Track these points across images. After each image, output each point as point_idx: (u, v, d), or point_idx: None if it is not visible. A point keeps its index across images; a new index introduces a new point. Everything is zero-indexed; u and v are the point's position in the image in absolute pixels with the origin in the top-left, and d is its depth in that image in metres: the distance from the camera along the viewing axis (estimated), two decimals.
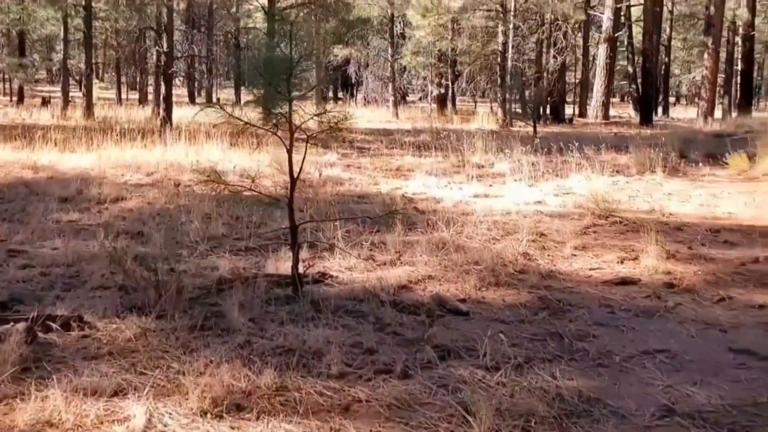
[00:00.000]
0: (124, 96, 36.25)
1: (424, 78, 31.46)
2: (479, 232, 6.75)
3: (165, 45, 17.39)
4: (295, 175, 4.73)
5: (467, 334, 4.16)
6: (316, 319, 4.25)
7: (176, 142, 13.55)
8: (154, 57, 21.99)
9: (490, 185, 10.79)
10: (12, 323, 3.72)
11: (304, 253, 5.79)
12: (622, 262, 6.03)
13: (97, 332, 3.91)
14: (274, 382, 3.30)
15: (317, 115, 4.61)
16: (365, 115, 27.88)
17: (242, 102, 33.92)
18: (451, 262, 5.62)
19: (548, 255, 6.18)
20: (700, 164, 13.03)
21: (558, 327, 4.35)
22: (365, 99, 37.48)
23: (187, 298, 4.41)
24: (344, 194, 9.40)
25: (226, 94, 42.16)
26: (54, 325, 3.83)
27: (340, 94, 40.02)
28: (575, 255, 6.25)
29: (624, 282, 5.43)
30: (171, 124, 17.63)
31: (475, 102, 36.93)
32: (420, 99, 43.47)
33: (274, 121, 4.51)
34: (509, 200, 9.16)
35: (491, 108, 33.11)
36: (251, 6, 26.53)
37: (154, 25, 19.34)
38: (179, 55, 22.36)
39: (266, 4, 21.45)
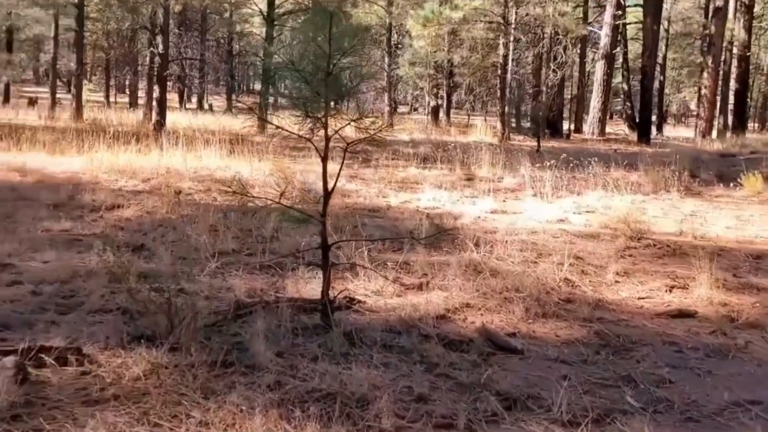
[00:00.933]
0: (112, 99, 35.52)
1: (421, 89, 30.99)
2: (510, 253, 6.21)
3: (161, 46, 16.77)
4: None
5: (529, 377, 3.61)
6: (352, 355, 3.67)
7: (173, 147, 12.92)
8: (147, 59, 21.38)
9: (504, 200, 10.29)
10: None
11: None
12: (670, 291, 5.52)
13: (98, 368, 3.31)
14: None
15: (354, 120, 4.05)
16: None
17: (233, 109, 33.47)
18: (488, 288, 5.07)
19: (590, 281, 5.65)
20: (714, 185, 12.66)
21: (627, 369, 3.81)
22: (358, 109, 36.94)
23: (203, 326, 3.82)
24: (354, 207, 8.84)
25: (217, 100, 41.57)
26: (48, 359, 3.23)
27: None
28: (618, 282, 5.73)
29: (681, 314, 4.92)
30: (164, 128, 17.01)
31: (469, 114, 36.57)
32: (410, 111, 43.09)
33: (310, 126, 3.93)
34: (530, 217, 8.66)
35: (485, 120, 32.80)
36: (249, 10, 25.93)
37: (148, 25, 18.75)
38: (172, 57, 21.70)
39: (265, 9, 20.89)
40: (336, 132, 4.02)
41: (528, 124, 31.83)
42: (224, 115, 29.26)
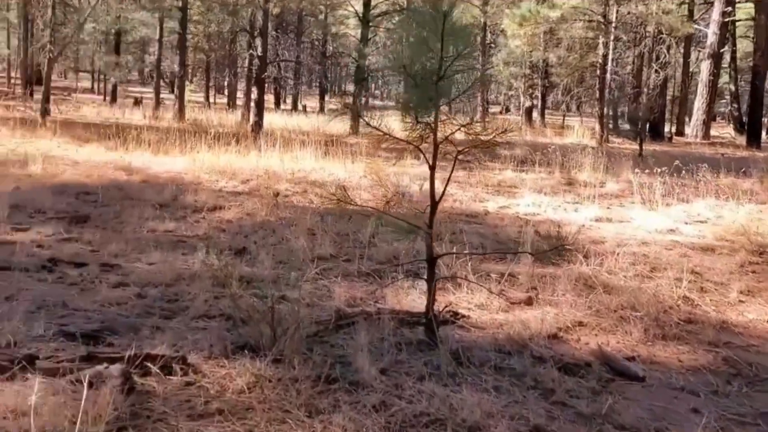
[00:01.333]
0: (211, 99, 36.70)
1: (515, 89, 30.34)
2: (622, 266, 5.83)
3: (259, 49, 17.08)
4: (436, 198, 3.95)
5: (654, 409, 3.29)
6: (460, 376, 3.46)
7: (270, 149, 13.10)
8: (246, 61, 21.87)
9: (608, 207, 9.80)
10: (105, 364, 3.10)
11: (423, 284, 5.04)
12: None
13: (203, 378, 3.24)
14: None
15: (464, 126, 3.83)
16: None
17: (325, 110, 33.88)
18: (602, 306, 4.74)
19: (711, 300, 5.20)
20: None
21: (767, 405, 3.43)
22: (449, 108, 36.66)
23: (305, 336, 3.71)
24: (451, 212, 8.60)
25: (309, 101, 42.21)
26: (153, 368, 3.20)
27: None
28: (743, 301, 5.26)
29: None
30: (261, 129, 17.32)
31: (564, 115, 35.53)
32: (502, 111, 42.28)
33: (419, 132, 3.75)
34: (638, 227, 8.18)
35: (581, 122, 31.73)
36: (344, 12, 26.13)
37: (248, 28, 19.16)
38: (270, 60, 22.06)
39: (361, 11, 20.94)
40: (446, 138, 3.81)
41: (627, 126, 30.64)
42: (317, 116, 29.67)
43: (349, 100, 37.93)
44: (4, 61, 37.34)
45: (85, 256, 5.31)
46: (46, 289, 4.44)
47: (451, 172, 4.03)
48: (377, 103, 42.01)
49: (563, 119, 33.71)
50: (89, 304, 4.20)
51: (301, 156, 12.96)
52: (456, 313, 4.34)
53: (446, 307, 4.21)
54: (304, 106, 37.68)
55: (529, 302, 4.78)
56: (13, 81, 35.42)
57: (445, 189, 4.01)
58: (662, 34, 25.44)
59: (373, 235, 6.49)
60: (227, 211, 7.53)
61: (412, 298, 4.63)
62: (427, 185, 10.68)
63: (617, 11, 24.35)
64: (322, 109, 36.93)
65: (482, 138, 3.78)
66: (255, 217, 7.26)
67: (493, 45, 32.28)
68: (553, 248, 3.71)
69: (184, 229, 6.58)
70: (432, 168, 3.88)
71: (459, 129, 3.83)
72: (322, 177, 11.01)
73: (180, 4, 20.29)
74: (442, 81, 3.63)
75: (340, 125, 22.31)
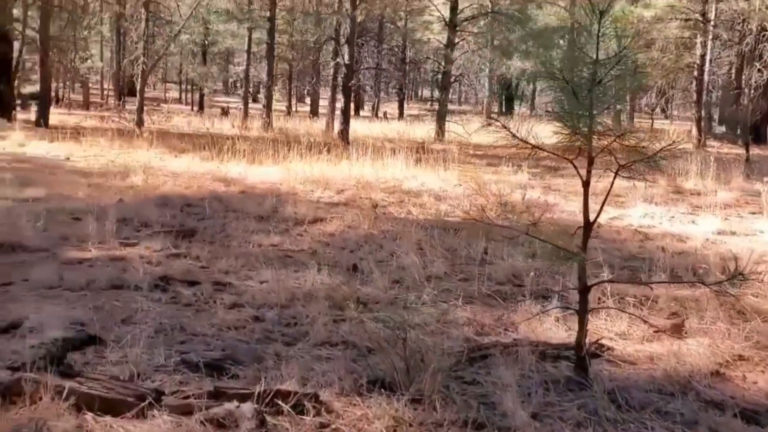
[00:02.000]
0: (293, 108, 37.13)
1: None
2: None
3: (346, 57, 16.97)
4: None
5: None
6: (621, 423, 3.05)
7: (361, 157, 12.90)
8: (332, 69, 21.88)
9: (727, 218, 9.05)
10: (236, 402, 2.85)
11: (525, 305, 4.63)
12: None
13: (337, 419, 2.96)
14: None
15: (619, 136, 3.41)
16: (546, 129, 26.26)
17: (405, 116, 33.67)
18: (761, 336, 4.20)
19: None
20: None
21: None
22: (530, 113, 35.93)
23: (438, 370, 3.37)
24: (560, 224, 8.07)
25: (388, 107, 42.12)
26: (285, 407, 2.93)
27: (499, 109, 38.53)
28: None
29: None
30: (348, 138, 17.22)
31: (652, 119, 34.04)
32: None
33: (577, 144, 3.35)
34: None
35: (671, 123, 30.26)
36: (428, 17, 25.86)
37: (334, 36, 19.14)
38: (355, 68, 21.94)
39: (447, 15, 20.59)
40: (605, 148, 3.38)
41: (722, 129, 29.02)
42: (398, 122, 29.49)
43: (434, 105, 37.62)
44: (98, 73, 38.90)
45: (196, 273, 5.17)
46: (162, 310, 4.28)
47: (610, 187, 3.59)
48: (453, 107, 41.52)
49: (651, 122, 32.29)
50: (207, 327, 4.01)
51: (391, 164, 12.70)
52: (601, 345, 3.91)
53: (596, 341, 3.78)
54: (385, 113, 37.64)
55: (677, 331, 4.29)
56: (106, 92, 36.88)
57: (601, 209, 3.57)
58: (766, 31, 23.97)
59: (485, 250, 6.11)
60: (328, 223, 7.31)
61: (547, 326, 4.23)
62: (529, 195, 10.16)
63: (716, 8, 23.12)
64: (401, 116, 36.80)
65: (640, 149, 3.33)
66: (357, 230, 7.00)
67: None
68: (731, 278, 3.23)
69: (289, 243, 6.38)
70: (586, 185, 3.46)
71: (615, 140, 3.40)
72: (416, 186, 10.70)
73: (269, 14, 20.49)
74: (598, 87, 3.23)
75: (425, 131, 22.02)
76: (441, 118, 20.78)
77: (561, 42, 28.98)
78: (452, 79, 21.92)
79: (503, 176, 12.65)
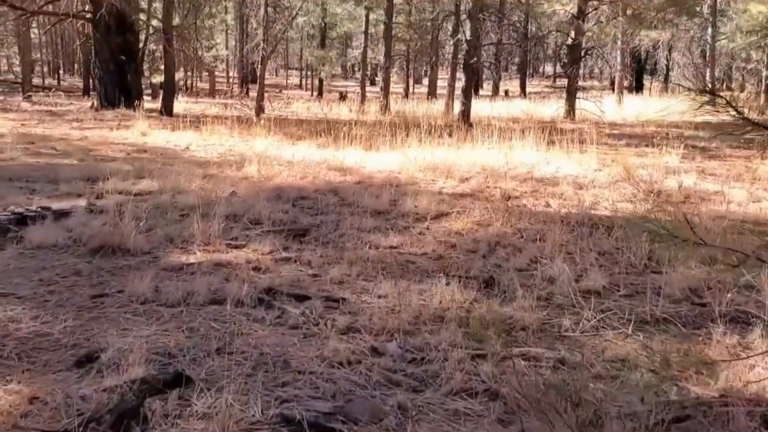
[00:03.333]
0: (410, 90, 36.37)
1: (756, 62, 26.35)
2: None
3: (468, 33, 15.92)
4: None
5: None
6: None
7: (484, 140, 11.92)
8: (451, 47, 20.86)
9: None
10: None
11: (717, 334, 3.56)
12: None
13: None
14: None
15: None
16: (675, 105, 24.02)
17: (526, 94, 32.02)
18: None
19: None
20: None
21: None
22: (664, 87, 33.26)
23: None
24: (724, 218, 6.74)
25: (507, 85, 40.44)
26: None
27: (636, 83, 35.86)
28: None
29: None
30: (470, 120, 16.22)
31: None
32: (736, 86, 37.43)
33: None
34: None
35: None
36: None
37: (453, 12, 18.10)
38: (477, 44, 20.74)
39: None
40: None
41: None
42: (521, 101, 28.02)
43: (557, 82, 35.62)
44: (224, 61, 39.91)
45: (305, 283, 4.48)
46: (264, 335, 3.60)
47: None
48: (580, 83, 39.16)
49: None
50: (315, 362, 3.27)
51: (519, 147, 11.62)
52: None
53: None
54: (506, 91, 36.10)
55: None
56: (231, 80, 37.73)
57: None
58: None
59: (649, 255, 5.04)
60: (453, 220, 6.45)
61: (758, 371, 3.17)
62: (687, 181, 8.72)
63: None
64: (523, 93, 35.12)
65: None
66: (488, 228, 6.09)
67: (724, 13, 28.42)
68: None
69: (409, 244, 5.58)
70: None
71: None
72: (551, 173, 9.59)
73: None
74: None
75: (552, 110, 20.57)
76: (571, 94, 19.27)
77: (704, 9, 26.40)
78: (582, 53, 20.26)
79: (648, 159, 11.25)
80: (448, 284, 4.26)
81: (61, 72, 41.21)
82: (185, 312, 3.93)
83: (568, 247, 5.36)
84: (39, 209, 6.62)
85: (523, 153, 11.21)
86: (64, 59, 45.00)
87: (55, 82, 34.83)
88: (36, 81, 31.90)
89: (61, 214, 6.40)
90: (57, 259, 5.08)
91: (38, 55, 42.35)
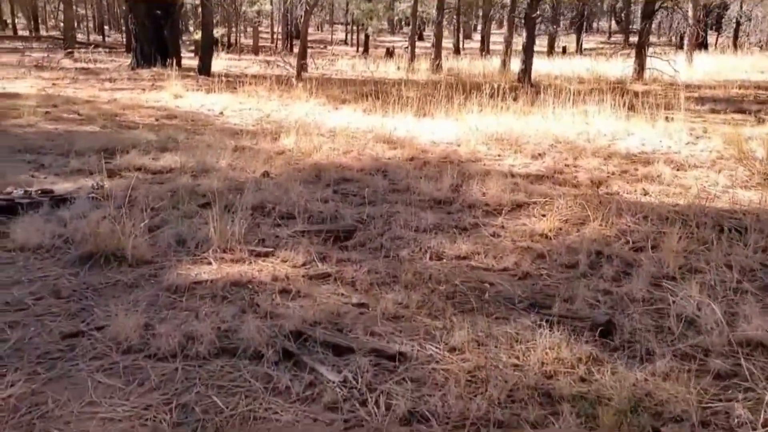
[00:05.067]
0: (461, 46, 34.52)
1: None
2: None
3: None
4: None
5: None
6: None
7: (553, 104, 10.48)
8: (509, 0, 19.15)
9: None
10: None
11: None
12: None
13: None
14: None
15: None
16: (759, 63, 21.89)
17: (582, 50, 29.88)
18: None
19: None
20: None
21: None
22: (733, 43, 30.85)
23: None
24: None
25: (563, 41, 38.13)
26: None
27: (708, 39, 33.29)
28: None
29: None
30: (531, 80, 14.70)
31: None
32: None
33: None
34: None
35: None
36: None
37: None
38: None
39: None
40: None
41: None
42: (579, 58, 26.10)
43: (612, 38, 33.27)
44: (268, 17, 38.62)
45: (348, 319, 3.29)
46: (287, 422, 2.45)
47: None
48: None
49: None
50: None
51: (593, 113, 10.16)
52: None
53: None
54: (564, 48, 34.02)
55: None
56: (276, 36, 36.45)
57: None
58: None
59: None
60: (534, 215, 5.16)
61: None
62: None
63: None
64: (580, 50, 32.97)
65: None
66: (582, 229, 4.79)
67: None
68: None
69: (483, 253, 4.33)
70: None
71: None
72: (636, 146, 8.18)
73: None
74: None
75: (617, 68, 18.80)
76: (641, 52, 17.46)
77: None
78: (657, 6, 18.31)
79: (747, 129, 9.67)
80: (549, 328, 3.02)
81: (106, 28, 40.54)
82: (180, 371, 2.80)
83: (693, 260, 4.05)
84: (38, 192, 5.61)
85: (600, 121, 9.77)
86: (110, 15, 44.35)
87: (100, 39, 34.11)
88: (81, 37, 31.19)
89: (61, 201, 5.36)
90: (38, 269, 4.02)
91: (84, 12, 41.74)
